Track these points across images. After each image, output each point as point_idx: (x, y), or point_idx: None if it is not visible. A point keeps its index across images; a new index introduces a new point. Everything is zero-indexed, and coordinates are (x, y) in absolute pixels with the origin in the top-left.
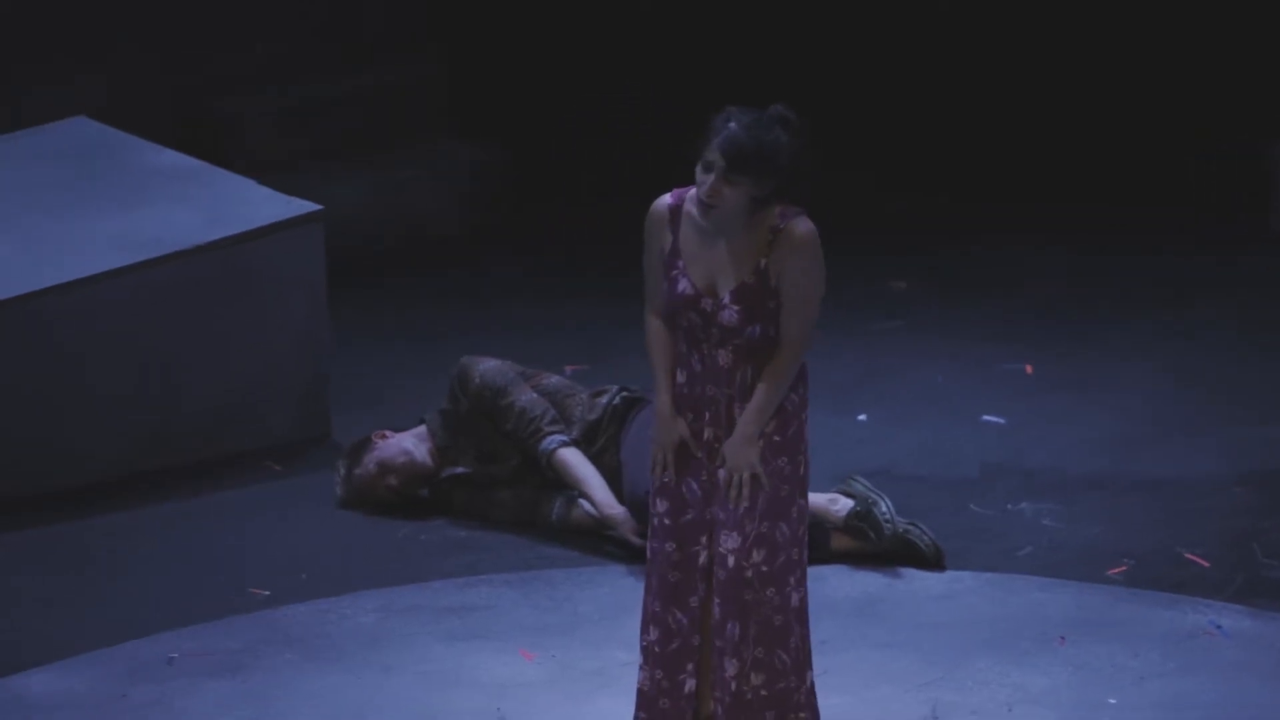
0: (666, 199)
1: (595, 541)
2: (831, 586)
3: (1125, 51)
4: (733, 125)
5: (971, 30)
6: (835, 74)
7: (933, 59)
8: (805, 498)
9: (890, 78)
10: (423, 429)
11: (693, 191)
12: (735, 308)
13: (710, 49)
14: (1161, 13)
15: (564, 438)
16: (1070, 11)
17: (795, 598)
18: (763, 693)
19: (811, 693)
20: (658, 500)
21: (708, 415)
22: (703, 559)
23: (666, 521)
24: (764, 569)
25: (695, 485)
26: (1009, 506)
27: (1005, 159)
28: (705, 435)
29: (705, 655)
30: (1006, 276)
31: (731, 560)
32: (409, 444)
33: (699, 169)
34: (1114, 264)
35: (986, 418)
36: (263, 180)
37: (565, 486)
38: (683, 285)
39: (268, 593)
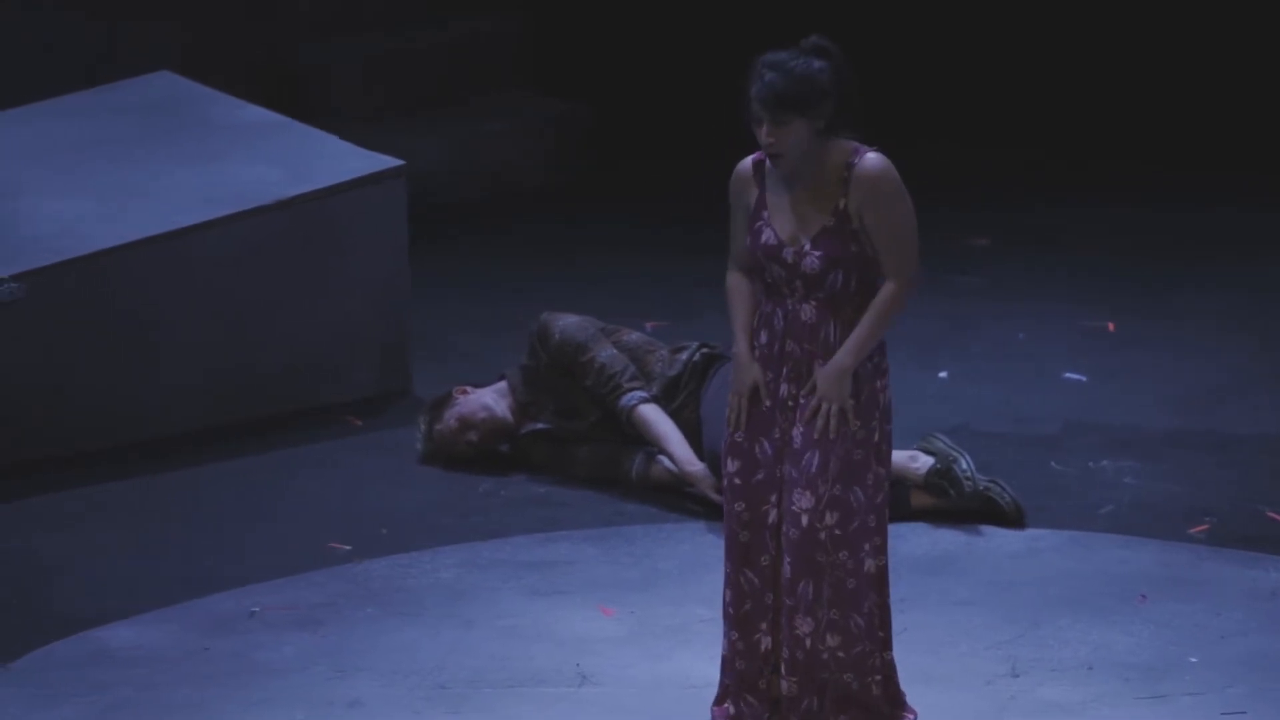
0: (749, 159)
1: (675, 498)
2: (911, 544)
3: (1207, 12)
4: (767, 75)
5: None
6: (921, 29)
7: (1019, 15)
8: (885, 466)
9: (975, 33)
10: (503, 385)
11: None
12: (817, 253)
13: (789, 3)
14: None
15: (644, 394)
16: None
17: (870, 564)
18: (840, 654)
19: (890, 666)
20: (729, 460)
21: (785, 371)
22: (772, 517)
23: (737, 481)
24: (837, 532)
25: (768, 445)
26: (1090, 464)
27: (1089, 117)
28: (782, 392)
29: (777, 613)
30: (1089, 234)
31: (805, 520)
32: (489, 399)
33: (754, 126)
34: (1198, 222)
35: (1068, 375)
36: (345, 133)
37: (645, 443)
38: (766, 235)
39: (349, 547)
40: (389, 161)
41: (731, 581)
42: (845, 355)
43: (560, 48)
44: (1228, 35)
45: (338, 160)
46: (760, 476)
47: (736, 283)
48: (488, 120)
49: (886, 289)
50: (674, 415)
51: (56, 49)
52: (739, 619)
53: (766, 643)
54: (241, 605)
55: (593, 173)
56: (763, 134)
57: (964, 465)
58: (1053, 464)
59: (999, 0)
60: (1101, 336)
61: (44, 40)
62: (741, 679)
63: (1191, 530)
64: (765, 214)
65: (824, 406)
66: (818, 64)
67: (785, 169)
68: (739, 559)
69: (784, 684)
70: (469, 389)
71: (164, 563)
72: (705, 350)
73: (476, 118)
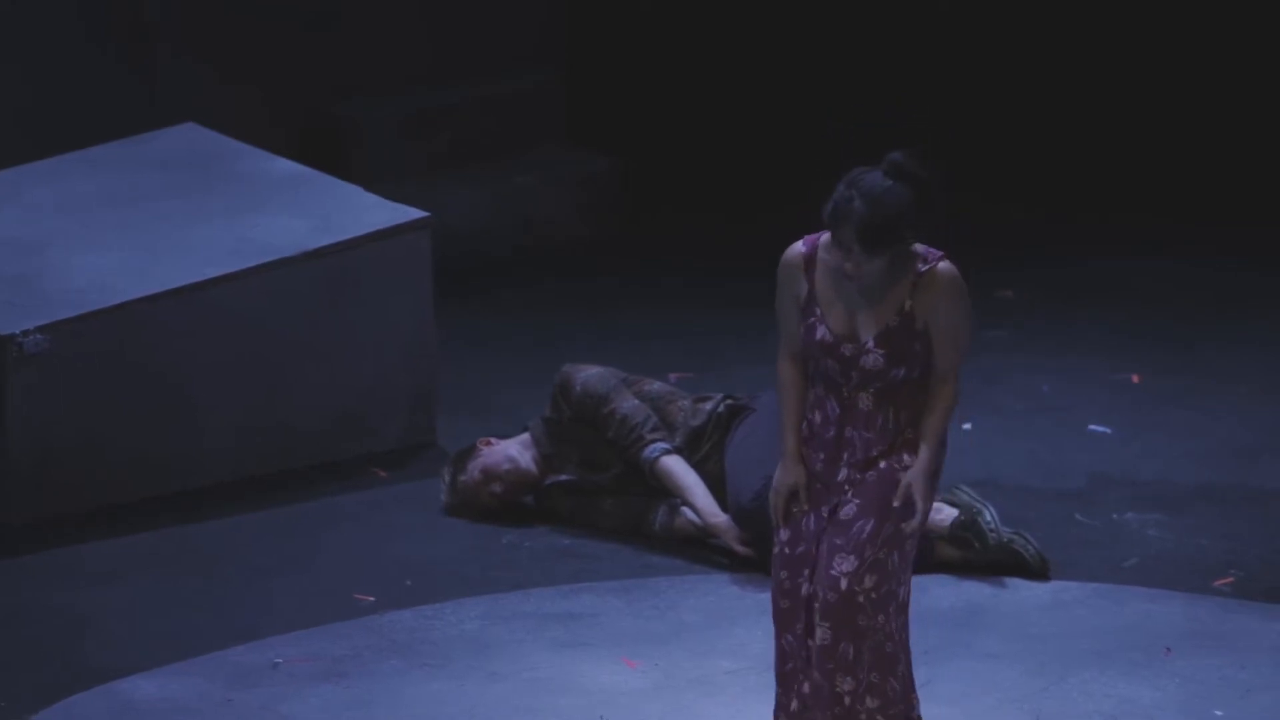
0: (799, 247)
1: (699, 549)
2: (935, 596)
3: (1244, 67)
4: (857, 204)
5: (1085, 44)
6: (945, 82)
7: (1048, 67)
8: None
9: (1002, 85)
10: (527, 437)
11: (825, 238)
12: (880, 352)
13: (819, 58)
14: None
15: (666, 445)
16: (1186, 30)
17: (896, 625)
18: (877, 717)
19: None
20: (783, 529)
21: (845, 456)
22: (805, 590)
23: (786, 551)
24: (874, 595)
25: (813, 520)
26: (1115, 517)
27: (1118, 170)
28: (841, 475)
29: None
30: (1113, 286)
31: (844, 584)
32: (514, 451)
33: (833, 239)
34: (1222, 276)
35: (1093, 427)
36: (379, 187)
37: (668, 494)
38: (821, 332)
39: (373, 599)
40: (414, 213)
41: (776, 643)
42: (926, 461)
43: (593, 103)
44: (1266, 90)
45: (363, 212)
46: (801, 549)
47: (788, 375)
48: (520, 174)
49: (943, 392)
50: (698, 467)
51: (86, 100)
52: (782, 677)
53: (795, 705)
54: (265, 657)
55: (623, 226)
56: (849, 262)
57: (988, 517)
58: (1078, 516)
59: (1026, 52)
60: (1127, 389)
61: (74, 91)
62: None
63: (1217, 583)
64: (817, 310)
65: (904, 493)
66: (906, 194)
67: (858, 283)
68: (780, 624)
69: None
70: (493, 441)
71: (187, 615)
72: (730, 402)
73: (509, 172)
